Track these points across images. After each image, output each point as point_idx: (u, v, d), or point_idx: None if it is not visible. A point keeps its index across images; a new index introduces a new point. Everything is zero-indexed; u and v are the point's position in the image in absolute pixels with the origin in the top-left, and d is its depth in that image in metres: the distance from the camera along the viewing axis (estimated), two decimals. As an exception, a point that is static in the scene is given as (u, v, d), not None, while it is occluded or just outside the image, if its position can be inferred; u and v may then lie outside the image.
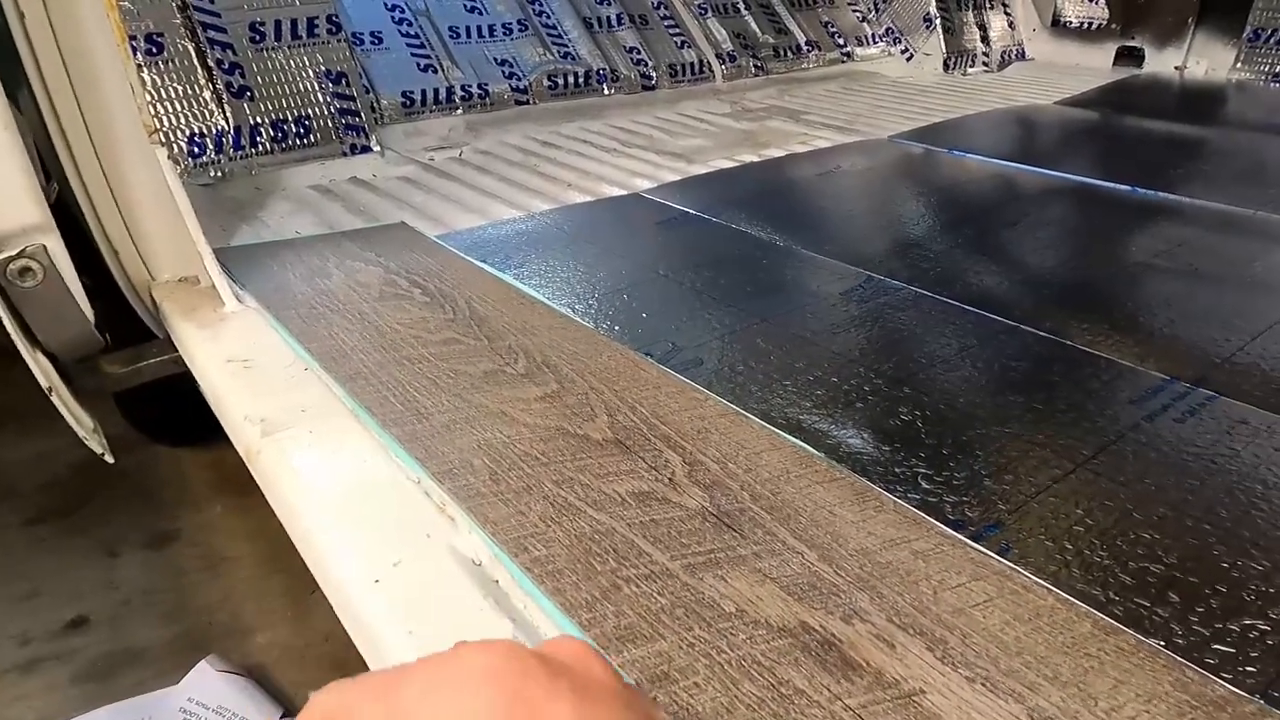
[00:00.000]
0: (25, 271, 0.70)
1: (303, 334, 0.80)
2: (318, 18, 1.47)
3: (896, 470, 0.64)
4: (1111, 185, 1.36)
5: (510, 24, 1.91)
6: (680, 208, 1.25)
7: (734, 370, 0.79)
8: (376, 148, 1.52)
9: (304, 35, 1.46)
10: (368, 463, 0.62)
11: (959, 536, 0.56)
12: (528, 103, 1.84)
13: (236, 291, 0.90)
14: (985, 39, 2.55)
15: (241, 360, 0.77)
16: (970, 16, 2.52)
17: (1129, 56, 2.45)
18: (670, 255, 1.07)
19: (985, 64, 2.52)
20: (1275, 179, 1.41)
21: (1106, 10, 2.45)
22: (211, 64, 1.37)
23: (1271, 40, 2.22)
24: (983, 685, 0.45)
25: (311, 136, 1.45)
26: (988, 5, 2.58)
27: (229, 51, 1.38)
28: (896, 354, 0.82)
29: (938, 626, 0.48)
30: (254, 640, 1.36)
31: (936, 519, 0.58)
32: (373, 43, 1.71)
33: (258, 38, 1.42)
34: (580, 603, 0.49)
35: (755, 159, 1.54)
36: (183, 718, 1.21)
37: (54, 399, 0.75)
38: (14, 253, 0.69)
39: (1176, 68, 2.36)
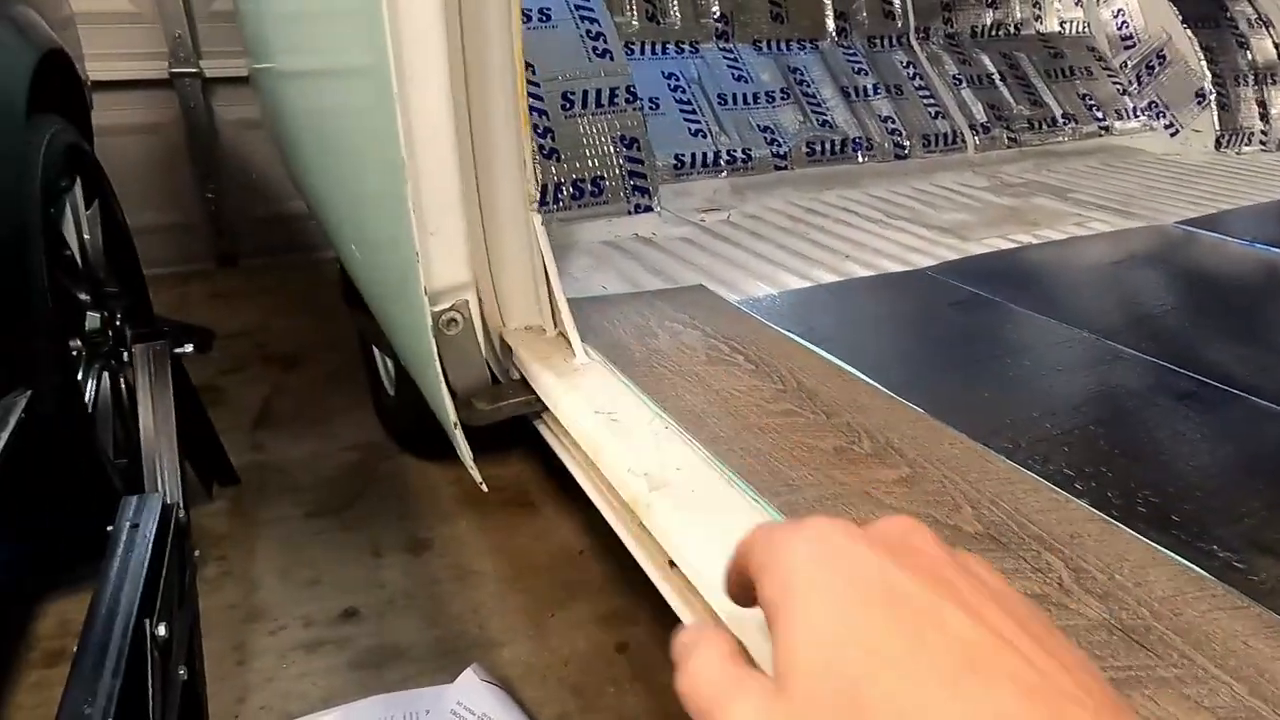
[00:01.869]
0: (451, 322, 0.82)
1: (655, 392, 0.88)
2: (618, 89, 1.60)
3: (1302, 605, 0.61)
4: None
5: (774, 92, 1.99)
6: (969, 289, 1.25)
7: (1084, 472, 0.78)
8: (658, 208, 1.62)
9: (605, 104, 1.59)
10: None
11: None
12: (786, 168, 1.91)
13: (583, 345, 1.00)
14: (1265, 116, 2.38)
15: (607, 413, 0.85)
16: (1249, 92, 2.36)
17: None
18: (977, 341, 1.08)
19: (1263, 143, 2.34)
20: None
21: None
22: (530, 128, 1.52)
23: None
24: None
25: (604, 195, 1.57)
26: (1269, 81, 2.40)
27: (544, 117, 1.54)
28: (1272, 474, 0.78)
29: None
30: (500, 653, 1.46)
31: (1366, 665, 0.55)
32: (651, 108, 1.84)
33: (568, 105, 1.56)
34: None
35: (1032, 240, 1.51)
36: (453, 717, 1.32)
37: (457, 433, 0.86)
38: (447, 306, 0.81)
39: None
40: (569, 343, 0.99)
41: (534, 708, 1.39)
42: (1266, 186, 1.90)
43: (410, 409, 1.36)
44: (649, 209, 1.61)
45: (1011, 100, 2.25)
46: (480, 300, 1.04)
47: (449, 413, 0.84)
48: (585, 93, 1.58)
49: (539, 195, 0.96)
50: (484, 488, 0.93)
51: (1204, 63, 2.31)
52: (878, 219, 1.66)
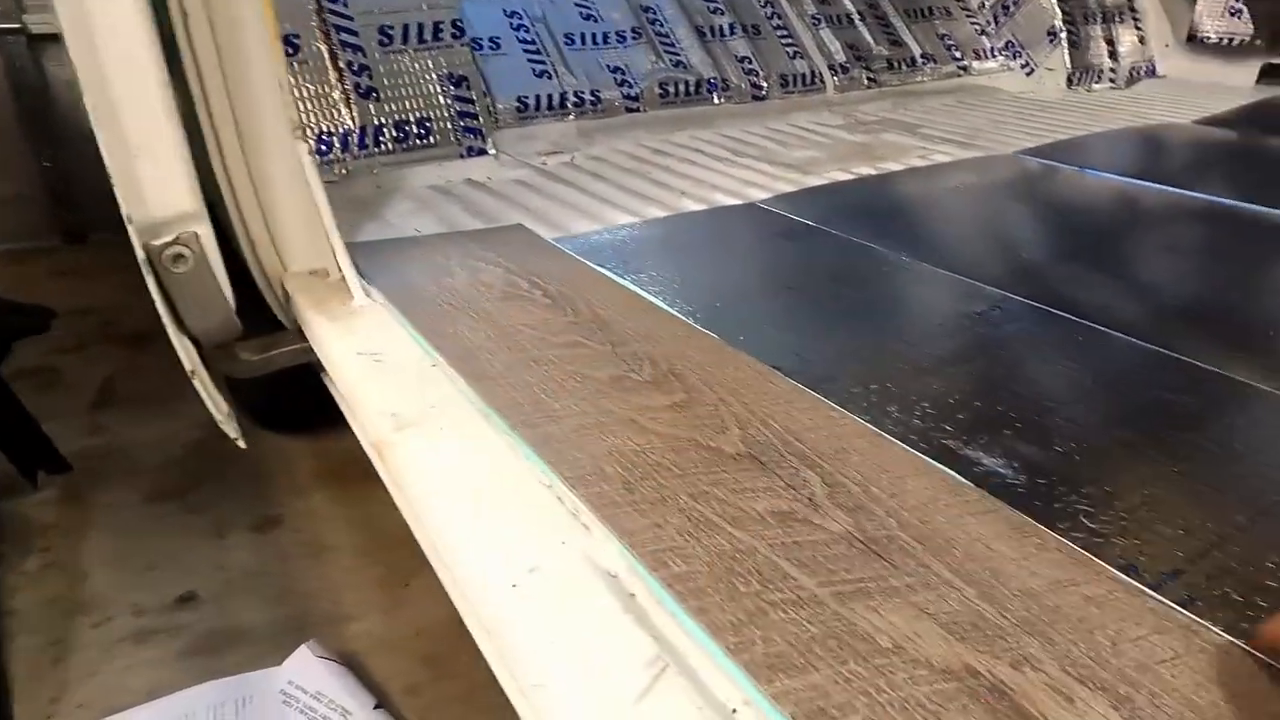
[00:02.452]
0: (178, 258, 0.72)
1: (430, 331, 0.81)
2: (443, 22, 1.50)
3: (1056, 506, 0.59)
4: (1256, 208, 1.26)
5: (624, 32, 1.92)
6: (800, 219, 1.22)
7: (868, 389, 0.75)
8: (492, 151, 1.54)
9: (429, 39, 1.49)
10: (501, 464, 0.62)
11: (1134, 583, 0.51)
12: (639, 110, 1.84)
13: (365, 286, 0.92)
14: (1114, 54, 2.43)
15: (372, 354, 0.78)
16: (1098, 30, 2.41)
17: (1275, 74, 2.29)
18: (794, 268, 1.04)
19: (1112, 80, 2.40)
20: None
21: (1251, 25, 2.30)
22: (342, 65, 1.41)
23: None
24: None
25: (431, 138, 1.47)
26: (1117, 19, 2.46)
27: (359, 54, 1.43)
28: (1043, 380, 0.77)
29: (1121, 683, 0.44)
30: (350, 628, 1.38)
31: (1106, 562, 0.53)
32: (491, 47, 1.74)
33: (386, 40, 1.45)
34: (726, 625, 0.46)
35: (873, 172, 1.49)
36: (283, 699, 1.24)
37: (195, 382, 0.77)
38: (170, 239, 0.72)
39: (1327, 88, 2.20)
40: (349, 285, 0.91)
41: (383, 680, 1.32)
42: (1107, 119, 1.94)
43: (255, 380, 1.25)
44: (483, 152, 1.52)
45: (871, 40, 2.23)
46: (253, 242, 0.95)
47: (185, 360, 0.76)
48: (406, 26, 1.47)
49: (305, 123, 0.87)
50: (240, 444, 0.85)
51: (1055, 2, 2.33)
52: (725, 158, 1.61)
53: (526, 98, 1.72)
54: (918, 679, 0.43)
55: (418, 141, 1.46)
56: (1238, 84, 2.33)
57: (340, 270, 0.92)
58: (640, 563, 0.51)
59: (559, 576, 0.51)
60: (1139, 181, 1.41)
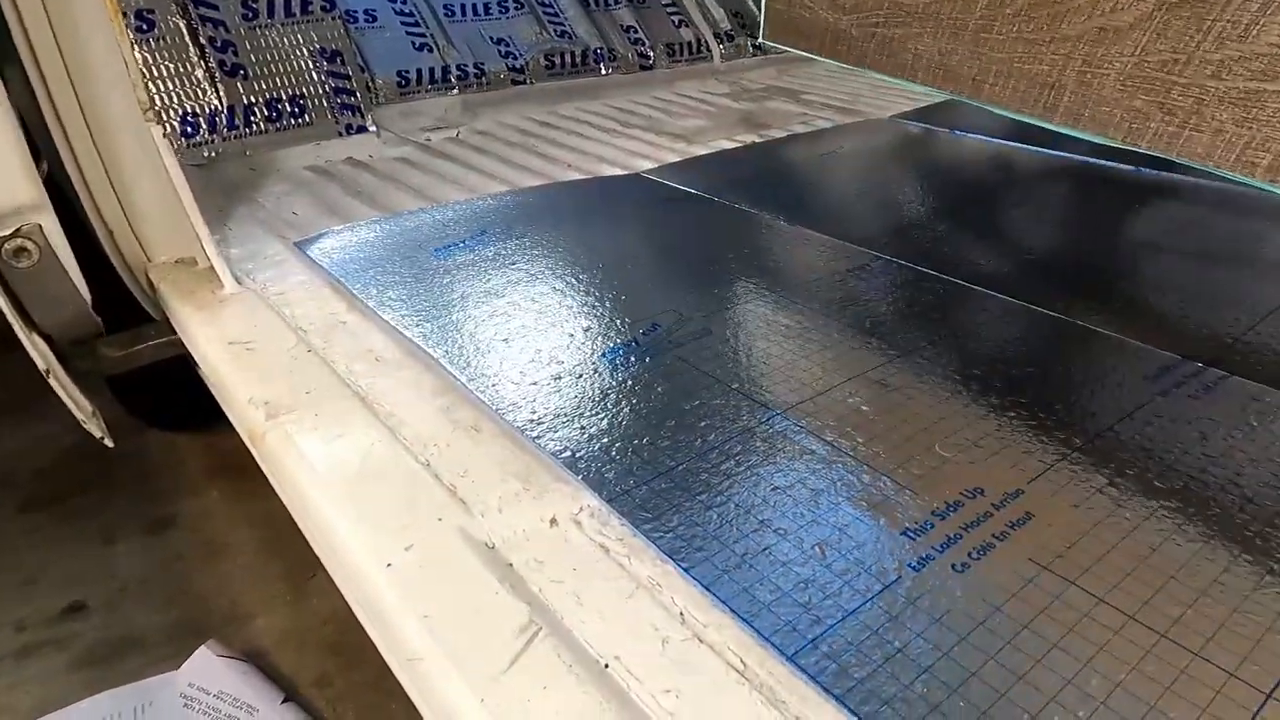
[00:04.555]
0: (20, 252, 0.68)
1: (308, 315, 0.79)
2: (311, -6, 1.44)
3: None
4: (1115, 165, 1.35)
5: (506, 2, 1.88)
6: (682, 188, 1.24)
7: (738, 349, 0.78)
8: (373, 128, 1.49)
9: (297, 13, 1.43)
10: (375, 446, 0.61)
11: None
12: (524, 82, 1.82)
13: (236, 273, 0.89)
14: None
15: (244, 343, 0.76)
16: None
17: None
18: (672, 233, 1.06)
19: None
20: None
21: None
22: (204, 41, 1.34)
23: None
24: None
25: (307, 116, 1.42)
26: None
27: (221, 29, 1.36)
28: (904, 330, 0.81)
29: None
30: (254, 625, 1.35)
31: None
32: (367, 21, 1.68)
33: (250, 15, 1.39)
34: None
35: (756, 139, 1.52)
36: (183, 703, 1.21)
37: (51, 381, 0.73)
38: (8, 232, 0.67)
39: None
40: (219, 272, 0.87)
41: (291, 674, 1.29)
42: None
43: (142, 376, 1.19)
44: (363, 129, 1.48)
45: (754, 8, 2.25)
46: (111, 232, 0.90)
47: (38, 359, 0.72)
48: (271, 0, 1.41)
49: (164, 111, 0.83)
50: (108, 443, 0.82)
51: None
52: (612, 129, 1.61)
53: (407, 72, 1.67)
54: None
55: (292, 121, 1.41)
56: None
57: (209, 258, 0.89)
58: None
59: (435, 552, 0.52)
60: (1007, 142, 1.49)
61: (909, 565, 0.51)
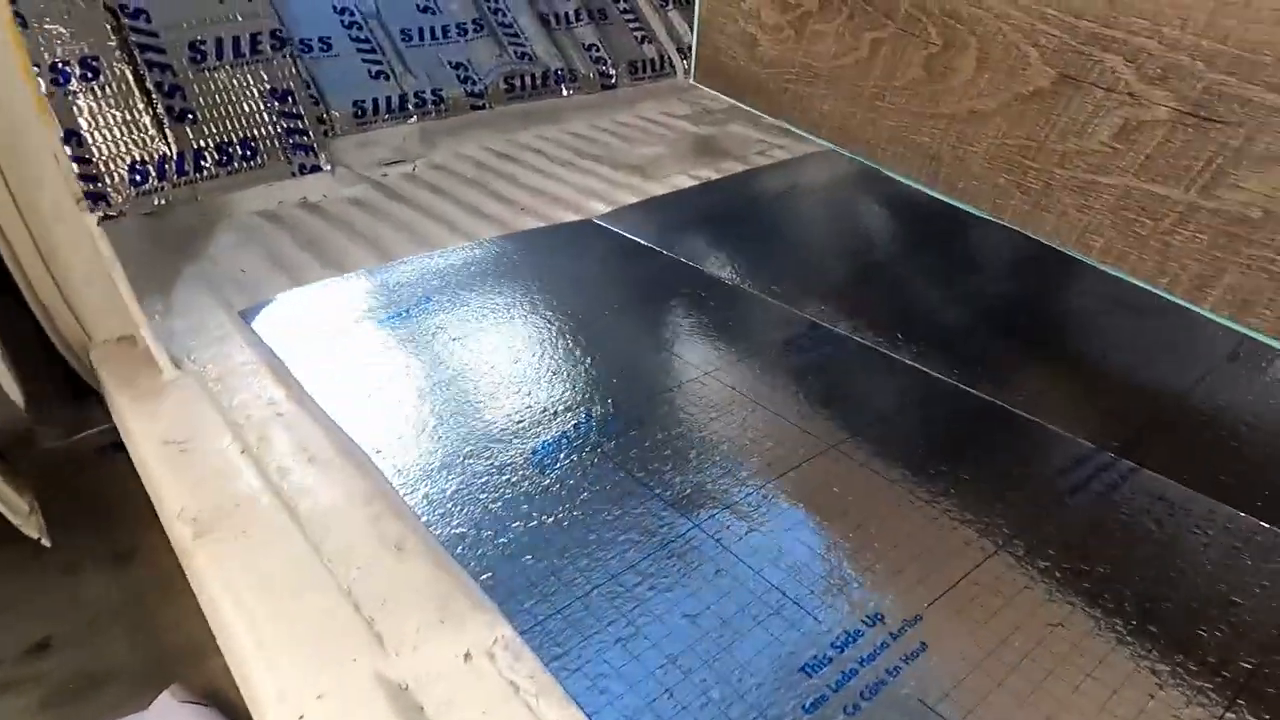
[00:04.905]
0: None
1: (245, 407, 0.80)
2: (260, 34, 1.43)
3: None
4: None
5: (465, 24, 1.87)
6: (633, 238, 1.24)
7: (666, 442, 0.79)
8: (327, 166, 1.49)
9: (246, 53, 1.42)
10: (299, 571, 0.63)
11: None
12: (484, 107, 1.81)
13: (174, 356, 0.89)
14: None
15: (178, 443, 0.77)
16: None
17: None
18: (618, 297, 1.07)
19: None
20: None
21: None
22: (151, 87, 1.33)
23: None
24: None
25: (259, 158, 1.42)
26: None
27: (169, 73, 1.35)
28: (832, 415, 0.83)
29: None
30: (212, 663, 1.37)
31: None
32: (322, 49, 1.67)
33: (198, 58, 1.37)
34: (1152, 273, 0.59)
35: (713, 175, 1.53)
36: (147, 750, 1.22)
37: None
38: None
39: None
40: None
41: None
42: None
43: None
44: (317, 168, 1.47)
45: (719, 20, 2.24)
46: (49, 313, 0.90)
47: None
48: (219, 40, 1.39)
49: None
50: (45, 543, 0.83)
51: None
52: (569, 160, 1.61)
53: (363, 102, 1.66)
54: None
55: (244, 164, 1.40)
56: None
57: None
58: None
59: (347, 701, 0.53)
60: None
61: (803, 708, 0.53)
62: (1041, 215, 0.69)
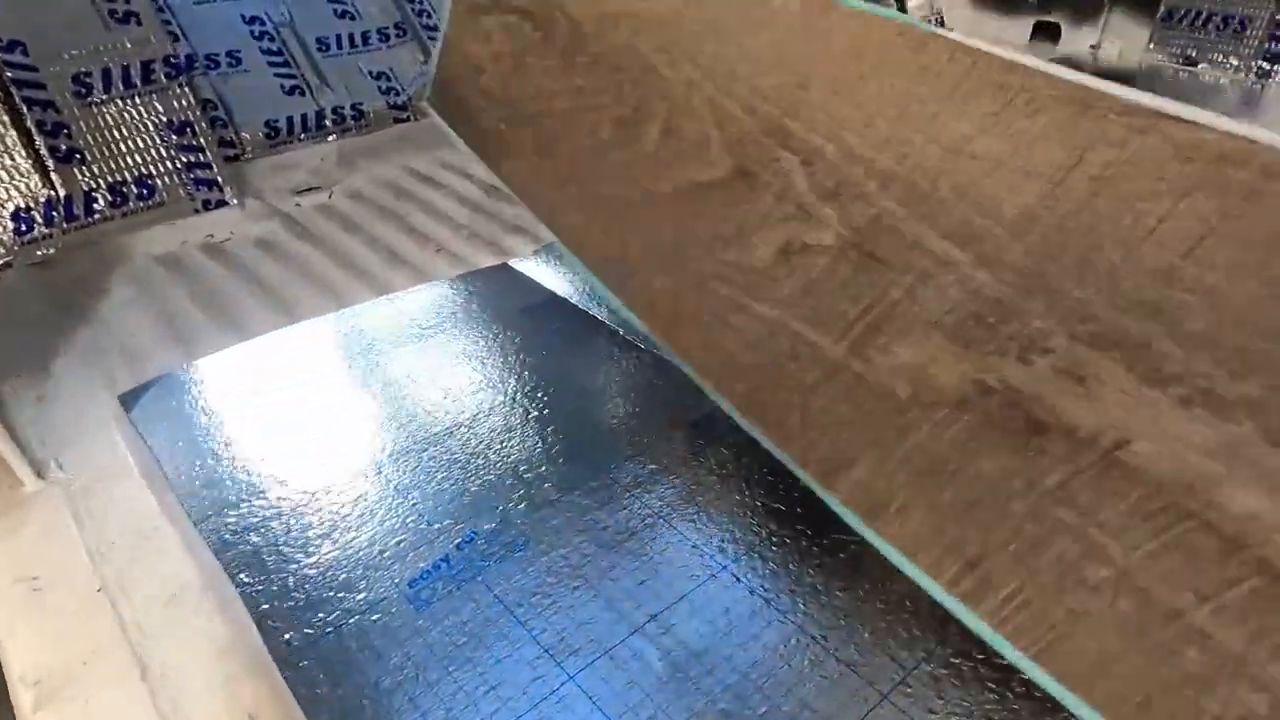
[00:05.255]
0: None
1: (114, 530, 0.76)
2: (152, 61, 1.34)
3: None
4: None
5: (387, 29, 1.77)
6: (548, 287, 1.19)
7: (549, 568, 0.76)
8: (233, 200, 1.41)
9: (138, 83, 1.33)
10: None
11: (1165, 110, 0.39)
12: (408, 119, 1.73)
13: (40, 464, 0.84)
14: (902, 6, 2.45)
15: (30, 580, 0.72)
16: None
17: (1045, 31, 2.39)
18: (523, 371, 1.02)
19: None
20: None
21: (1025, -18, 2.36)
22: (31, 126, 1.24)
23: (1183, 22, 2.18)
24: (1202, 406, 0.33)
25: (157, 196, 1.34)
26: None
27: (50, 110, 1.26)
28: (721, 536, 0.80)
29: (1137, 320, 0.35)
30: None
31: None
32: (230, 64, 1.57)
33: (83, 91, 1.29)
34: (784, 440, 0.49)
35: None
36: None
37: None
38: None
39: (1092, 47, 2.31)
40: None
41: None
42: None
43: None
44: (222, 203, 1.40)
45: None
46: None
47: None
48: (107, 71, 1.30)
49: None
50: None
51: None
52: (490, 182, 1.54)
53: (276, 121, 1.58)
54: (939, 424, 0.41)
55: (141, 204, 1.32)
56: (1012, 39, 2.40)
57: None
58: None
59: None
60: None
61: None
62: (687, 337, 0.60)
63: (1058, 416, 0.37)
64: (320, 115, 1.63)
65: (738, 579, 0.72)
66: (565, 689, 0.64)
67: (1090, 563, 0.35)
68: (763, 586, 0.72)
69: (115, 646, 0.67)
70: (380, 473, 0.85)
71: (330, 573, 0.74)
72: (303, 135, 1.60)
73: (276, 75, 1.62)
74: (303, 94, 1.63)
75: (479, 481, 0.84)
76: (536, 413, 0.95)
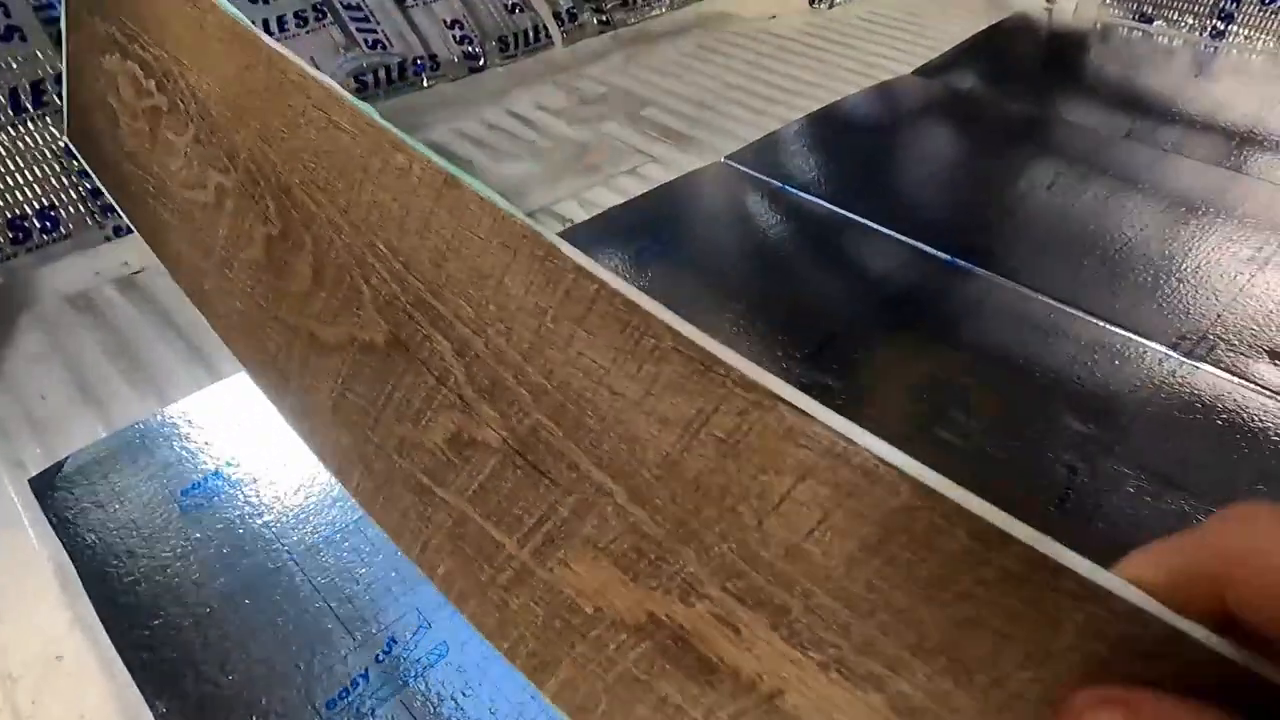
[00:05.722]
0: None
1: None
2: (42, 81, 1.25)
3: None
4: (933, 252, 1.31)
5: (304, 12, 1.66)
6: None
7: (466, 685, 0.77)
8: (146, 224, 1.34)
9: (29, 107, 1.24)
10: None
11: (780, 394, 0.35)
12: (333, 113, 1.64)
13: (-53, 572, 0.82)
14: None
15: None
16: (839, -63, 2.30)
17: (1002, -16, 2.31)
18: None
19: (857, -8, 2.33)
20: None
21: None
22: (-87, 164, 1.16)
23: (1141, -23, 2.12)
24: (838, 673, 0.35)
25: (62, 228, 1.27)
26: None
27: (-67, 146, 1.17)
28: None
29: (775, 587, 0.36)
30: None
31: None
32: (133, 64, 1.47)
33: (-32, 120, 1.20)
34: (493, 630, 0.46)
35: (581, 215, 1.42)
36: None
37: None
38: None
39: (1046, 4, 2.24)
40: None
41: None
42: (835, 70, 1.91)
43: None
44: (131, 229, 1.32)
45: (601, -28, 2.04)
46: None
47: None
48: (-7, 97, 1.21)
49: None
50: None
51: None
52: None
53: (189, 126, 1.48)
54: (624, 646, 0.41)
55: (46, 237, 1.25)
56: (969, -7, 2.32)
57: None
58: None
59: None
60: (846, 213, 1.42)
61: None
62: (388, 508, 0.54)
63: (721, 658, 0.38)
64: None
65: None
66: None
67: None
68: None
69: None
70: (301, 574, 0.85)
71: (245, 693, 0.74)
72: (219, 139, 1.52)
73: (186, 73, 1.52)
74: (216, 93, 1.53)
75: (400, 573, 0.84)
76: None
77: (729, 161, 1.56)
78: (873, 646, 0.34)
